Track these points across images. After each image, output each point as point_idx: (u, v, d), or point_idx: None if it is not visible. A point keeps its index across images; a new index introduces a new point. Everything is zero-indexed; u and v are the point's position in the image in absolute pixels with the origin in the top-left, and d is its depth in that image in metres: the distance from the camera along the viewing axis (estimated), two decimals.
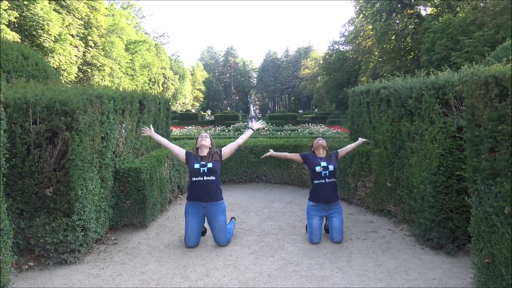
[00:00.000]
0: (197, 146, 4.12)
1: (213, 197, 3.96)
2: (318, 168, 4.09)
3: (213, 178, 3.95)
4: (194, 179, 3.96)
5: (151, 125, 4.40)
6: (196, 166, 3.96)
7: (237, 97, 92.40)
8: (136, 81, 37.28)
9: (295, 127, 25.37)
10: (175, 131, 18.71)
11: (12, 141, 3.19)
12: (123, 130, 4.53)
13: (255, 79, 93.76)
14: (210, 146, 4.10)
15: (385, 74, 26.30)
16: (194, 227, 3.98)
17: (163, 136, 6.34)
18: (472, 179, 2.75)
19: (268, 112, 72.65)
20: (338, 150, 4.48)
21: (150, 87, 41.84)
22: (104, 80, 29.57)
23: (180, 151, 4.17)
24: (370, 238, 4.21)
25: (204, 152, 4.07)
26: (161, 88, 46.53)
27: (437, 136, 3.57)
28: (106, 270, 3.47)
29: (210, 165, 3.94)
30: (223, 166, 6.92)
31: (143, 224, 4.56)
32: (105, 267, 3.53)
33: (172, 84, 51.62)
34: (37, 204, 3.36)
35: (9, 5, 19.43)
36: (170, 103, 7.21)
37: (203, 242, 4.16)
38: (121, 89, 4.92)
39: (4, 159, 2.62)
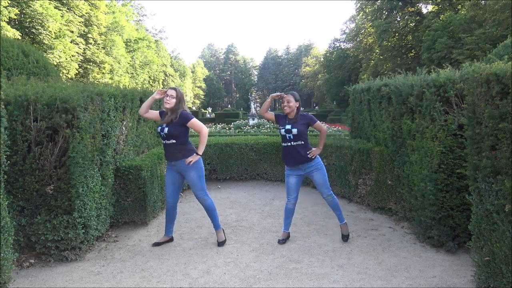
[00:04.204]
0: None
1: (178, 156, 3.84)
2: (282, 131, 3.95)
3: (174, 141, 3.78)
4: (162, 141, 3.92)
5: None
6: (158, 129, 3.88)
7: (237, 95, 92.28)
8: (136, 79, 37.24)
9: None
10: None
11: (13, 138, 3.19)
12: (123, 128, 4.53)
13: (256, 77, 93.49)
14: (173, 106, 3.78)
15: (386, 72, 26.24)
16: (169, 181, 3.97)
17: None
18: (472, 177, 2.75)
19: (269, 109, 72.49)
20: (316, 123, 4.05)
21: (150, 85, 41.81)
22: (105, 78, 29.54)
23: (150, 115, 3.98)
24: (371, 236, 4.22)
25: (171, 112, 3.82)
26: (161, 86, 46.50)
27: (437, 134, 3.56)
28: (107, 267, 3.48)
29: (166, 130, 3.75)
30: (223, 164, 6.93)
31: (143, 221, 4.57)
32: (106, 265, 3.54)
33: (172, 81, 51.58)
34: (38, 201, 3.37)
35: (9, 2, 19.38)
36: None
37: (204, 240, 4.17)
38: (121, 87, 4.93)
39: (5, 156, 2.62)
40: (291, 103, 3.93)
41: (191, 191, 4.20)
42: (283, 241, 4.07)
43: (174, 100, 3.76)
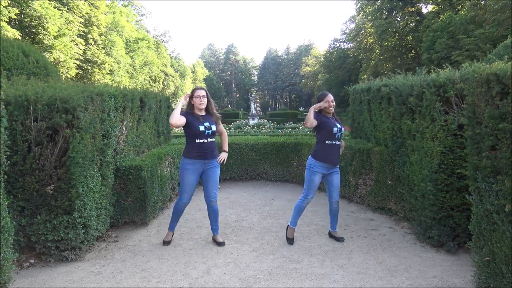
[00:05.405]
0: (192, 103, 3.86)
1: (215, 155, 3.94)
2: (335, 129, 3.91)
3: (213, 139, 3.90)
4: (198, 140, 3.78)
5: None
6: (202, 128, 3.77)
7: (237, 95, 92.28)
8: (136, 79, 37.22)
9: (296, 124, 25.34)
10: (176, 128, 18.70)
11: (13, 138, 3.19)
12: (124, 128, 4.53)
13: (256, 77, 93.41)
14: (206, 106, 3.91)
15: (386, 72, 26.24)
16: (193, 181, 3.89)
17: (163, 133, 6.39)
18: (473, 177, 2.75)
19: (269, 109, 72.60)
20: None
21: (150, 85, 41.78)
22: (105, 79, 29.53)
23: (182, 120, 3.75)
24: (371, 236, 4.22)
25: (203, 112, 3.92)
26: (161, 86, 46.47)
27: (438, 134, 3.56)
28: (107, 267, 3.48)
29: (214, 128, 3.85)
30: (223, 164, 6.92)
31: (143, 221, 4.57)
32: (106, 265, 3.54)
33: (172, 81, 51.56)
34: (38, 201, 3.37)
35: (9, 2, 19.36)
36: (170, 101, 7.22)
37: (204, 240, 4.17)
38: (121, 87, 4.93)
39: (5, 156, 2.62)
40: (333, 103, 3.97)
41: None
42: (292, 240, 4.07)
43: (206, 99, 3.87)
